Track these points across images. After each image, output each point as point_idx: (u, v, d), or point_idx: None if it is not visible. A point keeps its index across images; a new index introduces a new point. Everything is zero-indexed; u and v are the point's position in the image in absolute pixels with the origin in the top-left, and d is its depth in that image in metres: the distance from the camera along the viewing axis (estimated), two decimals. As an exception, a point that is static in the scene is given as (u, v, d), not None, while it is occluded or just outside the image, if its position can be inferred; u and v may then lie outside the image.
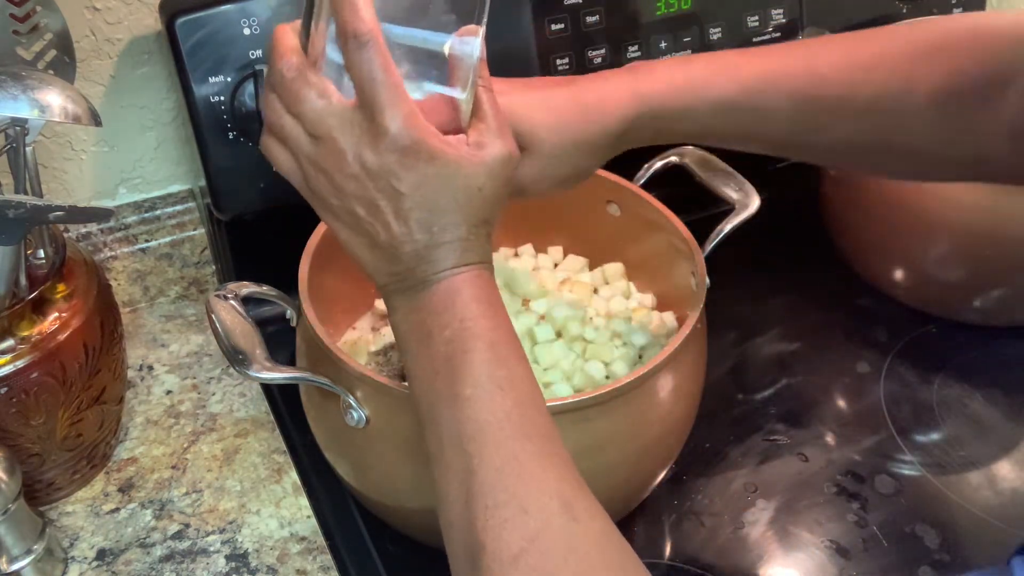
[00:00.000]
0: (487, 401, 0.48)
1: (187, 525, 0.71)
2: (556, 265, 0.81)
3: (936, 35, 0.58)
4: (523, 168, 0.57)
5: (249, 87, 0.74)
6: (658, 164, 0.77)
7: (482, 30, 0.50)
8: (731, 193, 0.73)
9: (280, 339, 0.78)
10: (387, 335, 0.76)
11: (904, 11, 0.97)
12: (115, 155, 0.86)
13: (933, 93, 0.57)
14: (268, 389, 0.82)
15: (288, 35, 0.50)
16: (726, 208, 0.72)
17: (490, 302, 0.51)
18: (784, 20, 0.91)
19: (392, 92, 0.47)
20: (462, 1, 0.52)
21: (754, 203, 0.72)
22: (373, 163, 0.48)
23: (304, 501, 0.73)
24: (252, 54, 0.74)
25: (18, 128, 0.63)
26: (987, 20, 0.59)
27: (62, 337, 0.66)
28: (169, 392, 0.82)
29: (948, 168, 0.62)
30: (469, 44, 0.50)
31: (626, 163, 0.77)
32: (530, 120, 0.56)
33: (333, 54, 0.50)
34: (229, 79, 0.75)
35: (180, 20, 0.73)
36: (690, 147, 0.77)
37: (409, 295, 0.52)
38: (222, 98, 0.75)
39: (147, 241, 0.88)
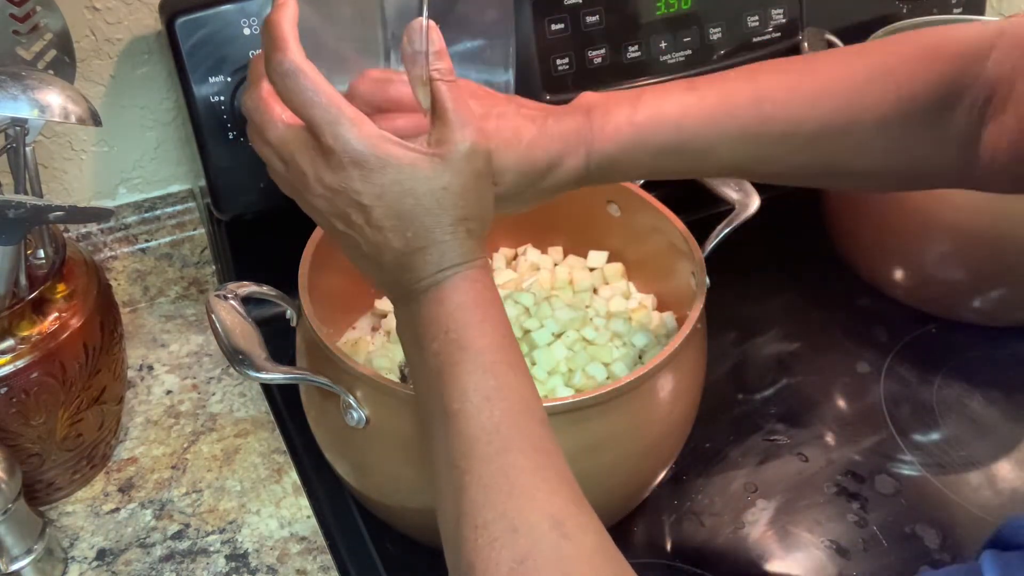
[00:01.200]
0: (475, 415, 0.47)
1: (187, 525, 0.71)
2: (556, 265, 0.81)
3: (884, 58, 0.58)
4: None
5: (249, 87, 0.74)
6: (658, 164, 0.77)
7: (425, 22, 0.49)
8: (731, 193, 0.73)
9: (280, 339, 0.78)
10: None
11: (904, 11, 0.97)
12: (115, 155, 0.86)
13: (881, 119, 0.57)
14: (268, 389, 0.82)
15: (257, 64, 0.51)
16: (726, 208, 0.72)
17: (477, 306, 0.50)
18: (784, 20, 0.91)
19: (326, 111, 0.48)
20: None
21: (754, 203, 0.72)
22: (332, 182, 0.49)
23: (304, 501, 0.73)
24: (252, 54, 0.74)
25: (18, 128, 0.63)
26: (937, 38, 0.58)
27: (62, 337, 0.66)
28: (169, 392, 0.82)
29: (896, 183, 0.63)
30: (414, 39, 0.50)
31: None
32: (499, 158, 0.55)
33: None
34: (229, 79, 0.75)
35: (180, 20, 0.73)
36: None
37: (402, 306, 0.52)
38: (222, 98, 0.75)
39: (147, 241, 0.88)
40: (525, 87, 0.66)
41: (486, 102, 0.57)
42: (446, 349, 0.49)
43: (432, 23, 0.49)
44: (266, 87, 0.50)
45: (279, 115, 0.50)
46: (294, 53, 0.48)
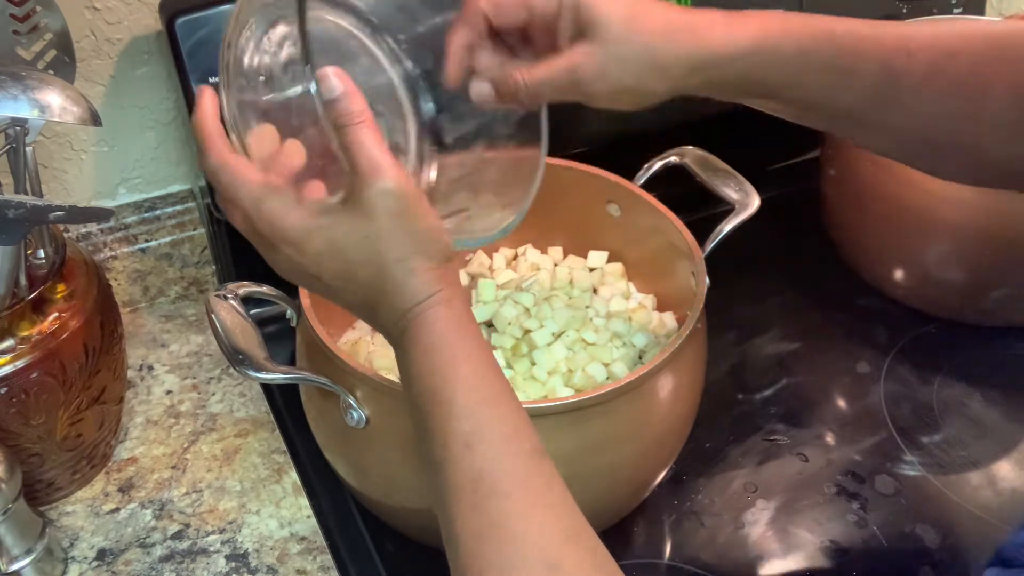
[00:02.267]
0: (456, 463, 0.47)
1: (187, 525, 0.71)
2: (556, 265, 0.81)
3: (1012, 36, 0.56)
4: (588, 59, 0.55)
5: (249, 87, 0.74)
6: (658, 164, 0.77)
7: (319, 71, 0.48)
8: (731, 193, 0.73)
9: (280, 339, 0.78)
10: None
11: (904, 11, 0.97)
12: (115, 155, 0.86)
13: (1009, 91, 0.55)
14: (268, 389, 0.82)
15: (205, 124, 0.52)
16: (726, 208, 0.72)
17: (439, 348, 0.49)
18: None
19: (249, 195, 0.50)
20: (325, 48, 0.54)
21: (754, 203, 0.72)
22: (279, 261, 0.52)
23: (304, 501, 0.73)
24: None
25: (18, 128, 0.63)
26: None
27: (62, 337, 0.66)
28: (169, 392, 0.82)
29: (1000, 174, 0.60)
30: (314, 86, 0.48)
31: (626, 163, 0.78)
32: (612, 13, 0.54)
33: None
34: (229, 79, 0.75)
35: (180, 20, 0.73)
36: (690, 147, 0.77)
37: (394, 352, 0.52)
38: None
39: (147, 241, 0.88)
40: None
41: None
42: (421, 398, 0.49)
43: (332, 69, 0.48)
44: (218, 159, 0.51)
45: (226, 192, 0.51)
46: (216, 149, 0.50)
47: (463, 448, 0.47)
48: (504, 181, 0.62)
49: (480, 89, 0.58)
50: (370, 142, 0.48)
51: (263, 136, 0.51)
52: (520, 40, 0.59)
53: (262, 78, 0.51)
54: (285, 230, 0.49)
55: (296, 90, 0.50)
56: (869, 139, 0.62)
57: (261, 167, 0.50)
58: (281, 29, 0.51)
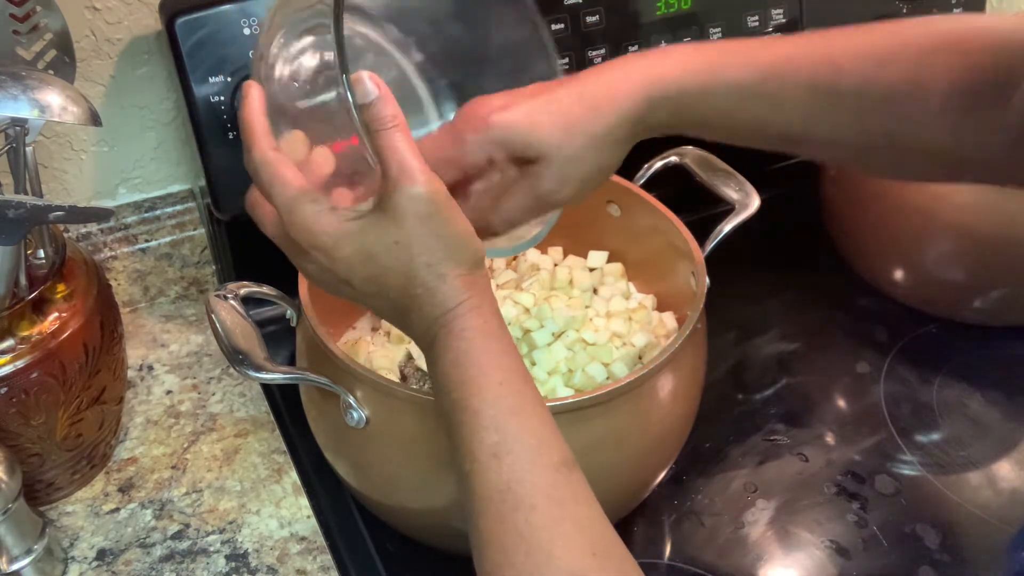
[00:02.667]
0: (484, 474, 0.47)
1: (187, 525, 0.71)
2: (556, 265, 0.81)
3: (947, 32, 0.56)
4: (543, 179, 0.55)
5: (249, 87, 0.74)
6: (658, 164, 0.77)
7: (353, 75, 0.47)
8: (731, 193, 0.73)
9: (280, 339, 0.78)
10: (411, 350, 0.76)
11: (904, 11, 0.97)
12: (115, 155, 0.86)
13: (947, 89, 0.55)
14: (268, 389, 0.82)
15: (251, 119, 0.51)
16: (726, 208, 0.72)
17: (468, 358, 0.49)
18: (784, 20, 0.91)
19: (282, 197, 0.50)
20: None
21: (754, 203, 0.72)
22: (309, 267, 0.52)
23: (304, 501, 0.73)
24: (252, 54, 0.74)
25: (18, 128, 0.63)
26: (994, 22, 0.57)
27: (62, 337, 0.66)
28: (169, 392, 0.82)
29: (950, 169, 0.61)
30: (345, 92, 0.48)
31: (626, 163, 0.77)
32: (537, 129, 0.54)
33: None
34: (229, 79, 0.75)
35: (180, 20, 0.73)
36: (690, 147, 0.77)
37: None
38: (222, 98, 0.75)
39: (147, 241, 0.88)
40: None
41: (510, 96, 0.56)
42: (450, 410, 0.49)
43: (365, 73, 0.48)
44: (261, 160, 0.51)
45: (259, 204, 0.52)
46: (261, 146, 0.50)
47: (490, 459, 0.47)
48: None
49: None
50: (403, 146, 0.48)
51: (294, 142, 0.52)
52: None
53: (295, 84, 0.52)
54: (316, 235, 0.49)
55: (329, 95, 0.50)
56: (801, 152, 0.62)
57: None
58: (311, 38, 0.51)
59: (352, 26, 0.61)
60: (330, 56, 0.48)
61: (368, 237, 0.49)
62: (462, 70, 0.63)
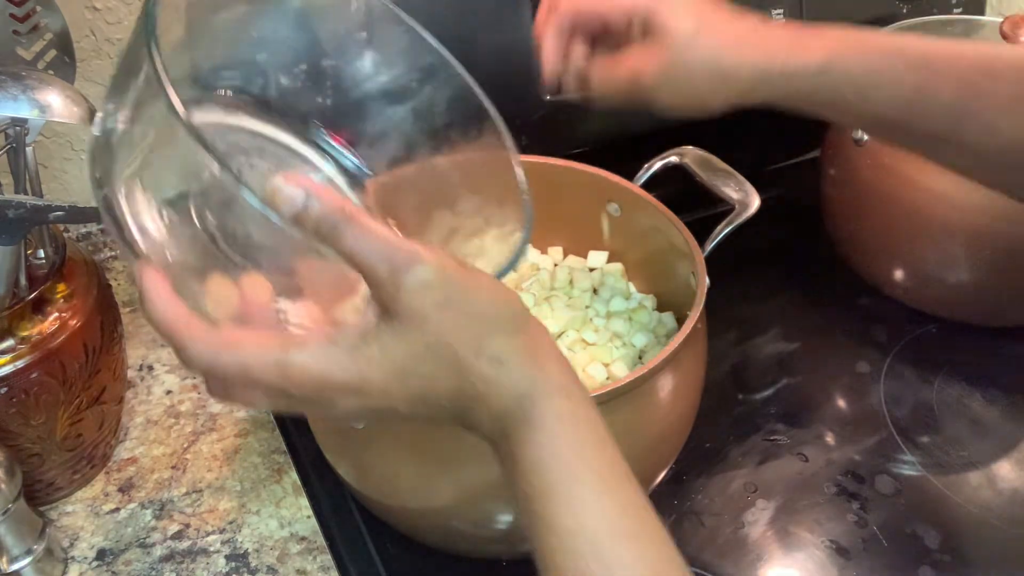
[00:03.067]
0: None
1: (187, 525, 0.71)
2: (556, 265, 0.81)
3: None
4: (649, 64, 0.56)
5: (249, 87, 0.74)
6: (658, 164, 0.77)
7: (266, 187, 0.38)
8: (731, 193, 0.73)
9: (280, 339, 0.78)
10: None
11: (904, 11, 0.97)
12: (115, 155, 0.86)
13: (1015, 96, 0.55)
14: (268, 389, 0.82)
15: (166, 312, 0.41)
16: (726, 208, 0.72)
17: (556, 462, 0.41)
18: (784, 20, 0.91)
19: (241, 375, 0.40)
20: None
21: (754, 203, 0.72)
22: (336, 416, 0.46)
23: (304, 501, 0.73)
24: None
25: (18, 128, 0.63)
26: None
27: (62, 337, 0.66)
28: (169, 392, 0.82)
29: (1002, 176, 0.61)
30: (266, 212, 0.38)
31: (626, 163, 0.78)
32: (676, 18, 0.55)
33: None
34: (229, 79, 0.75)
35: (180, 20, 0.73)
36: (690, 147, 0.77)
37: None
38: (222, 98, 0.75)
39: (147, 241, 0.88)
40: (526, 87, 0.65)
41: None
42: (533, 521, 0.41)
43: (277, 179, 0.38)
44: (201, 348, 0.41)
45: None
46: (199, 338, 0.40)
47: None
48: (481, 191, 0.55)
49: (549, 77, 0.61)
50: (373, 236, 0.39)
51: (218, 292, 0.42)
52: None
53: (183, 237, 0.42)
54: (334, 381, 0.40)
55: (242, 227, 0.41)
56: (947, 157, 0.61)
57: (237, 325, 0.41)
58: (174, 178, 0.42)
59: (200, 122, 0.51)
60: (211, 189, 0.39)
61: (395, 355, 0.40)
62: (328, 89, 0.56)
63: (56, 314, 0.66)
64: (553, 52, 0.61)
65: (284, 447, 0.77)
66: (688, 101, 0.59)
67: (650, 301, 0.78)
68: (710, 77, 0.57)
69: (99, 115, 0.43)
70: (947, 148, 0.59)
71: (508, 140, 0.54)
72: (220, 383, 0.42)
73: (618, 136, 0.87)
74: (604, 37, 0.61)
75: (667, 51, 0.56)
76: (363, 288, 0.40)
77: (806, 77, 0.57)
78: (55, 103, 0.61)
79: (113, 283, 0.85)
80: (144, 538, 0.70)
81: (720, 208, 0.72)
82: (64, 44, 0.67)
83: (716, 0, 0.58)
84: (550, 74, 0.61)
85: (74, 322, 0.67)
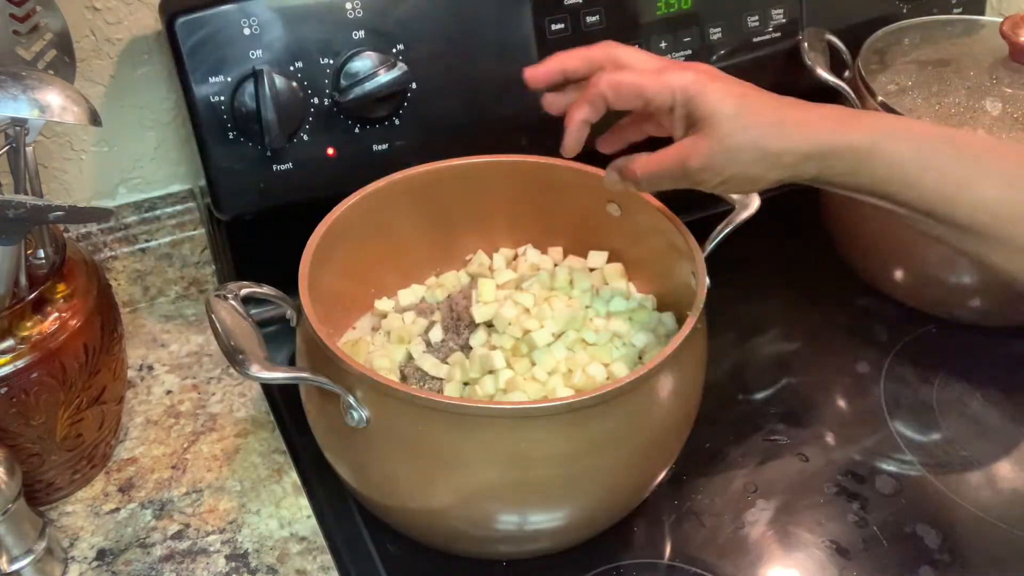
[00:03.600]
0: None
1: (187, 525, 0.71)
2: (556, 265, 0.81)
3: None
4: (694, 151, 0.58)
5: (249, 87, 0.74)
6: (658, 164, 0.77)
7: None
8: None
9: (280, 339, 0.78)
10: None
11: (904, 11, 0.97)
12: (115, 155, 0.86)
13: None
14: (268, 389, 0.82)
15: None
16: (726, 208, 0.72)
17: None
18: (784, 20, 0.91)
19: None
20: None
21: (754, 203, 0.72)
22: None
23: (304, 501, 0.73)
24: (252, 54, 0.74)
25: (18, 128, 0.63)
26: None
27: (62, 337, 0.66)
28: (169, 392, 0.82)
29: None
30: None
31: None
32: (718, 103, 0.57)
33: None
34: (229, 79, 0.75)
35: (180, 20, 0.73)
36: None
37: None
38: (222, 98, 0.75)
39: (147, 241, 0.88)
40: (525, 87, 0.66)
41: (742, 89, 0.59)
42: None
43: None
44: None
45: None
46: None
47: None
48: None
49: (610, 176, 0.66)
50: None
51: None
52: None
53: None
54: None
55: None
56: (997, 256, 0.60)
57: None
58: None
59: None
60: None
61: None
62: None
63: (56, 314, 0.66)
64: (580, 131, 0.63)
65: (284, 447, 0.77)
66: (738, 183, 0.60)
67: (650, 301, 0.78)
68: (756, 160, 0.58)
69: None
70: (994, 245, 0.59)
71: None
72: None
73: (618, 136, 0.87)
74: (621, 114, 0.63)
75: (711, 136, 0.58)
76: None
77: (854, 156, 0.58)
78: (55, 103, 0.61)
79: (113, 283, 0.85)
80: (144, 538, 0.70)
81: (720, 208, 0.73)
82: (64, 44, 0.67)
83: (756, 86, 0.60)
84: (574, 147, 0.64)
85: (74, 322, 0.67)
